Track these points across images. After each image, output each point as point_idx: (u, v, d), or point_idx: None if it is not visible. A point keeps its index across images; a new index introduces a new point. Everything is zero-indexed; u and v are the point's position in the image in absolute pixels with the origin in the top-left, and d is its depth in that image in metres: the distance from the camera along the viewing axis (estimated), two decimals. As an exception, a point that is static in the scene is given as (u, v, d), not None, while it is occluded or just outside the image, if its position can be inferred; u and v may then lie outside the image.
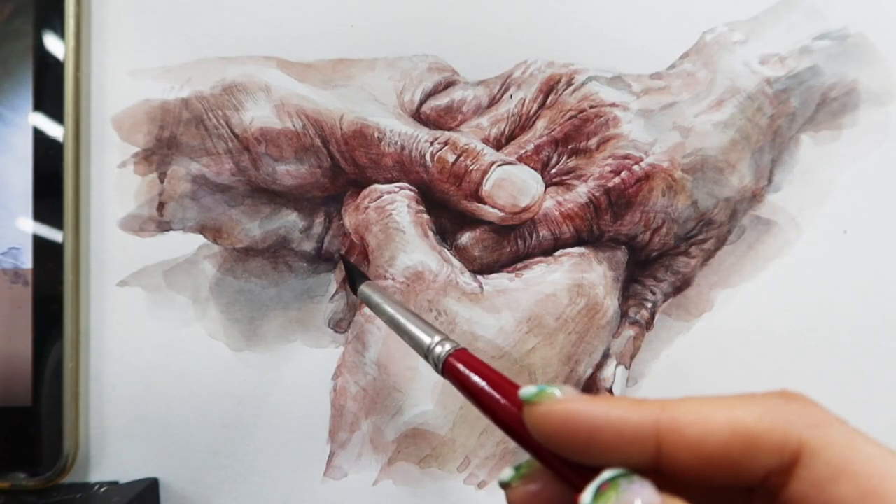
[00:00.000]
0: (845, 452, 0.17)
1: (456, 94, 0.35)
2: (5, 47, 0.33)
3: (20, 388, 0.33)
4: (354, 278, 0.32)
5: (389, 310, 0.28)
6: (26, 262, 0.33)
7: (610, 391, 0.34)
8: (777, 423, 0.17)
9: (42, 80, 0.33)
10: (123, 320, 0.34)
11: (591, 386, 0.34)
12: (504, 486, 0.21)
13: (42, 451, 0.33)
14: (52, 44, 0.33)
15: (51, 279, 0.33)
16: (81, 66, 0.33)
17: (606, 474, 0.18)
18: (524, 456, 0.20)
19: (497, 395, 0.21)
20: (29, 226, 0.33)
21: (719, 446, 0.17)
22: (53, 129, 0.33)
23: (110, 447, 0.34)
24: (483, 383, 0.22)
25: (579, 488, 0.18)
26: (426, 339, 0.25)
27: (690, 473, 0.18)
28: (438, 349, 0.24)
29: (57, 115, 0.33)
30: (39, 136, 0.33)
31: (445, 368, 0.24)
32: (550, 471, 0.20)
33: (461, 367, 0.23)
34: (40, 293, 0.33)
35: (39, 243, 0.33)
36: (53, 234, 0.33)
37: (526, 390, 0.20)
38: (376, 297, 0.29)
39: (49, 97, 0.33)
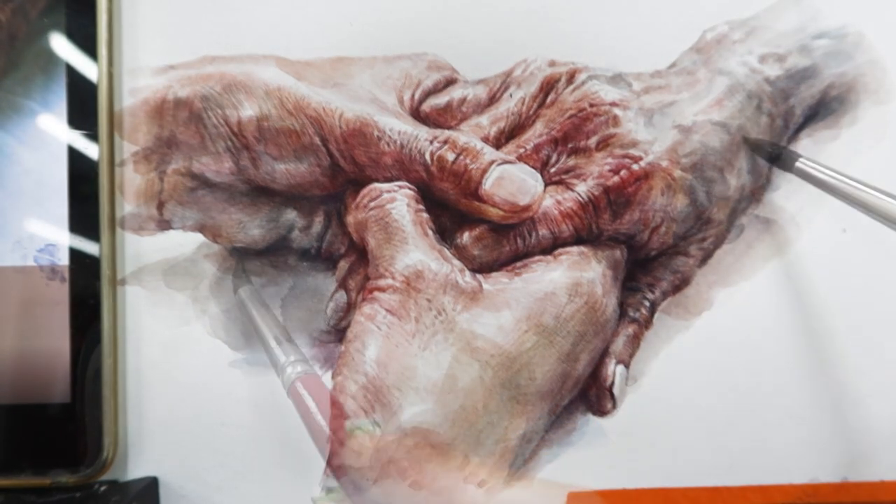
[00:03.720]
0: None
1: (455, 93, 0.35)
2: (37, 44, 0.33)
3: (59, 385, 0.33)
4: (238, 279, 0.33)
5: (257, 319, 0.30)
6: (63, 258, 0.33)
7: (610, 390, 0.34)
8: None
9: (75, 77, 0.33)
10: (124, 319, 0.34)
11: (590, 385, 0.34)
12: (313, 501, 0.24)
13: (83, 447, 0.33)
14: (84, 42, 0.33)
15: (87, 275, 0.33)
16: (114, 63, 0.34)
17: None
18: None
19: (322, 424, 0.24)
20: (65, 222, 0.33)
21: None
22: (88, 126, 0.33)
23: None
24: (315, 409, 0.25)
25: None
26: (281, 357, 0.27)
27: None
28: (290, 370, 0.26)
29: (90, 112, 0.33)
30: (74, 133, 0.33)
31: (290, 391, 0.26)
32: None
33: (302, 391, 0.26)
34: (77, 289, 0.33)
35: (76, 240, 0.33)
36: (90, 231, 0.33)
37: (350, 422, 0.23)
38: (248, 304, 0.31)
39: (82, 94, 0.33)
